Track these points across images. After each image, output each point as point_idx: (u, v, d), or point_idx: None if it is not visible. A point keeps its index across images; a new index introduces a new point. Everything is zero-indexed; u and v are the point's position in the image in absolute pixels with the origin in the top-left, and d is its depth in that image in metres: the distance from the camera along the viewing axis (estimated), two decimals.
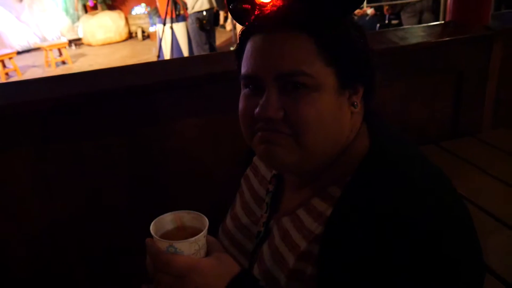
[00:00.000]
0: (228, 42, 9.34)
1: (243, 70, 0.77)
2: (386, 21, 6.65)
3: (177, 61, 2.66)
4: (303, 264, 0.76)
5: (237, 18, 0.83)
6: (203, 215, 0.74)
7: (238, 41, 0.82)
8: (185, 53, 6.10)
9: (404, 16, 6.13)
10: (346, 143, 0.79)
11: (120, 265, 1.74)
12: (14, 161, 1.54)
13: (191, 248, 0.70)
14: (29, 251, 1.65)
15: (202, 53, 6.00)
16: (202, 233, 0.70)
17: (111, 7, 11.19)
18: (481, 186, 1.65)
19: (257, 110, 0.73)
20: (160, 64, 2.40)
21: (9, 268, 1.65)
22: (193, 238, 0.69)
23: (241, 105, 0.79)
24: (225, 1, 0.84)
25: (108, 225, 1.70)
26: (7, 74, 8.03)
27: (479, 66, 2.06)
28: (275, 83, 0.73)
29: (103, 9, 11.01)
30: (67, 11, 11.07)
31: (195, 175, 1.75)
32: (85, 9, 11.35)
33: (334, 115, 0.75)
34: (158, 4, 6.82)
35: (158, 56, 5.93)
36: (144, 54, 9.19)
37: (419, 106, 2.04)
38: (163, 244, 0.69)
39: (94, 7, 11.18)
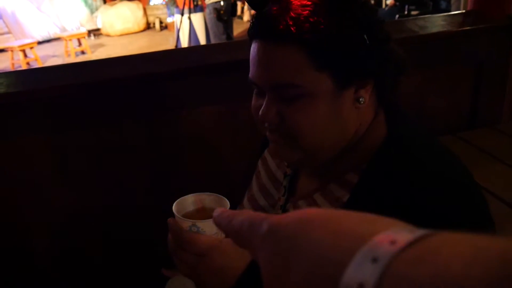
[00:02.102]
0: (245, 33, 9.31)
1: (249, 72, 0.79)
2: (406, 12, 6.57)
3: (195, 49, 2.67)
4: None
5: (252, 6, 0.83)
6: (223, 197, 0.76)
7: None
8: (203, 43, 6.12)
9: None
10: (357, 136, 0.79)
11: (139, 252, 1.77)
12: (31, 147, 1.57)
13: (212, 228, 0.71)
14: (49, 240, 1.69)
15: None
16: None
17: None
18: (499, 176, 1.63)
19: (259, 113, 0.77)
20: (179, 52, 2.42)
21: (30, 257, 1.68)
22: None
23: (252, 103, 0.82)
24: None
25: (126, 212, 1.73)
26: (28, 63, 8.17)
27: (500, 57, 2.02)
28: (271, 91, 0.75)
29: (121, 0, 11.09)
30: (85, 2, 11.19)
31: (213, 162, 1.77)
32: None
33: (331, 118, 0.75)
34: None
35: (176, 47, 5.97)
36: (161, 44, 9.25)
37: (438, 96, 2.02)
38: (186, 223, 0.71)
39: None
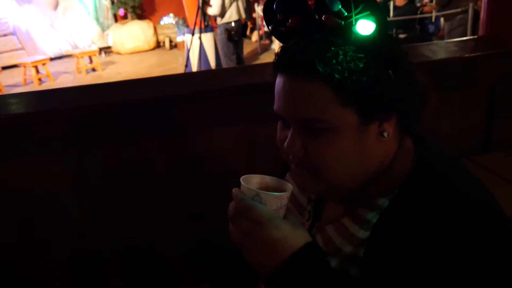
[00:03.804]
0: (254, 53, 9.43)
1: (274, 104, 0.80)
2: (393, 35, 6.59)
3: (214, 73, 2.72)
4: (347, 265, 0.78)
5: (277, 38, 0.84)
6: (287, 182, 0.78)
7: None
8: (212, 63, 6.20)
9: (448, 26, 5.96)
10: (382, 166, 0.80)
11: (155, 268, 1.79)
12: (52, 165, 1.60)
13: (274, 203, 0.73)
14: (66, 252, 1.71)
15: (230, 63, 6.08)
16: (287, 192, 0.74)
17: (140, 16, 11.45)
18: None
19: (284, 144, 0.79)
20: (197, 75, 2.46)
21: (48, 270, 1.70)
22: (278, 194, 0.73)
23: (277, 134, 0.84)
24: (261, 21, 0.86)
25: (142, 229, 1.75)
26: (40, 79, 8.28)
27: None
28: (296, 124, 0.77)
29: (133, 19, 11.27)
30: (97, 20, 11.38)
31: (230, 183, 1.77)
32: (115, 18, 11.66)
33: (355, 152, 0.76)
34: (187, 14, 6.97)
35: (186, 66, 6.03)
36: (171, 63, 9.35)
37: (451, 120, 2.04)
38: (250, 192, 0.73)
39: (125, 17, 11.47)
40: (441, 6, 6.27)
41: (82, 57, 8.85)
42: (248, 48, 9.22)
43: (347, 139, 0.74)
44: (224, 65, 6.11)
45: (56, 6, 10.49)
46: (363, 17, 0.71)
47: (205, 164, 1.75)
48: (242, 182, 0.75)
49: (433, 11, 6.77)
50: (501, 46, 2.01)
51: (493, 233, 0.70)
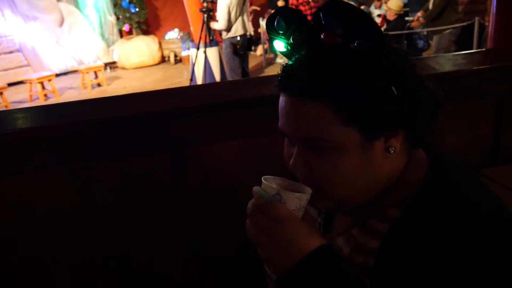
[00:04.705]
0: (259, 67, 9.48)
1: (279, 122, 0.80)
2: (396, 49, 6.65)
3: (218, 85, 2.72)
4: (357, 275, 0.77)
5: (281, 53, 0.84)
6: (306, 187, 0.78)
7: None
8: (217, 76, 6.23)
9: (438, 39, 6.00)
10: (392, 179, 0.79)
11: (157, 281, 1.76)
12: (56, 179, 1.59)
13: (293, 203, 0.73)
14: (71, 273, 1.68)
15: (235, 77, 6.11)
16: (307, 194, 0.74)
17: (145, 32, 11.58)
18: None
19: (290, 161, 0.79)
20: (202, 88, 2.46)
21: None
22: (299, 194, 0.73)
23: (284, 150, 0.84)
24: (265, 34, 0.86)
25: (146, 246, 1.72)
26: (46, 95, 8.34)
27: None
28: (300, 143, 0.77)
29: (137, 34, 11.39)
30: (103, 36, 11.50)
31: (234, 196, 1.76)
32: (121, 33, 11.78)
33: (360, 169, 0.75)
34: (192, 29, 7.03)
35: (191, 80, 6.07)
36: (176, 77, 9.42)
37: (458, 133, 2.02)
38: (271, 190, 0.73)
39: (130, 32, 11.59)
40: (430, 21, 6.29)
41: (87, 72, 8.93)
42: (253, 61, 9.28)
43: (351, 157, 0.74)
44: (230, 79, 6.14)
45: (61, 23, 10.62)
46: (361, 34, 0.70)
47: (210, 176, 1.74)
48: (263, 180, 0.75)
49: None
50: (510, 59, 2.00)
51: (509, 249, 0.68)
